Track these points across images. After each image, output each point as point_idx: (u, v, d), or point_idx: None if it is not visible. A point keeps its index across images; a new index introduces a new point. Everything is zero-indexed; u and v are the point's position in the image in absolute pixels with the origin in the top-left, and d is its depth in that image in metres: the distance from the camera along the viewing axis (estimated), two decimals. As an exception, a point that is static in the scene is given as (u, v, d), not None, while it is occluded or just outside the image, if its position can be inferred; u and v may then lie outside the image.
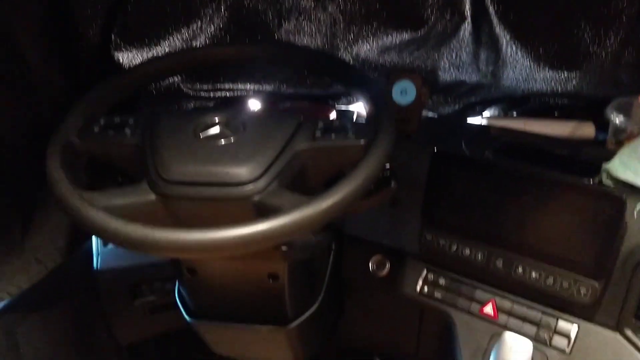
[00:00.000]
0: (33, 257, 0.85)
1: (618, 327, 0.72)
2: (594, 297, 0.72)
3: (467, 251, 0.82)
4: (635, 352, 0.70)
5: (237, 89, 1.02)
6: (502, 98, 1.03)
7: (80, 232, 0.78)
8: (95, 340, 1.07)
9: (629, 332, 0.71)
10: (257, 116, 0.73)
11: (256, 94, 1.03)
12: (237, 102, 1.03)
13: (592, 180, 0.75)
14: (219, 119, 0.67)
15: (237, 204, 0.62)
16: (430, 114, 1.05)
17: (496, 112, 1.07)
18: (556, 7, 0.85)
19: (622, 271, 0.71)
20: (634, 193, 0.72)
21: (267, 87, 1.02)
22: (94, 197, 0.61)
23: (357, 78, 0.74)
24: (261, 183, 0.62)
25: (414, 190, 0.87)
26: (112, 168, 0.71)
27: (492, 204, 0.80)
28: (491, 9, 0.87)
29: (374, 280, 0.91)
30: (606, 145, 0.91)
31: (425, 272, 0.87)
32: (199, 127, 0.67)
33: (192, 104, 1.04)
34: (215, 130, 0.67)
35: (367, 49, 0.93)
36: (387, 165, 0.76)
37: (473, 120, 1.05)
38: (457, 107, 1.04)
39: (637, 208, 0.70)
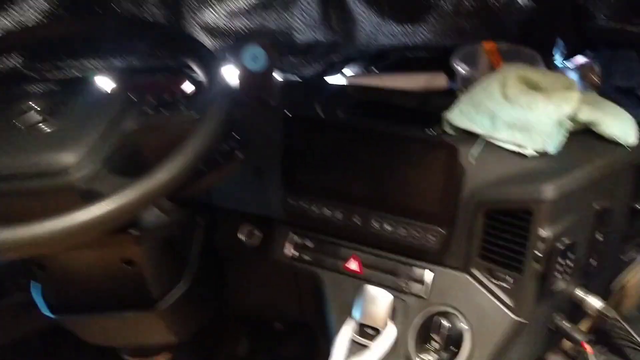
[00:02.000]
0: None
1: (466, 269, 0.76)
2: (442, 242, 0.76)
3: (328, 211, 0.83)
4: (482, 289, 0.74)
5: (84, 67, 0.96)
6: (359, 56, 1.04)
7: None
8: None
9: (475, 272, 0.75)
10: (81, 98, 0.69)
11: (105, 71, 0.97)
12: (84, 81, 0.97)
13: (435, 131, 0.78)
14: (36, 104, 0.63)
15: (62, 194, 0.59)
16: (287, 77, 1.04)
17: (355, 70, 1.08)
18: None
19: (463, 216, 0.74)
20: (471, 139, 0.75)
21: (117, 63, 0.97)
22: None
23: (189, 46, 0.72)
24: (86, 169, 0.59)
25: (274, 156, 0.86)
26: None
27: (345, 163, 0.82)
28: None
29: (246, 250, 0.91)
30: (456, 94, 0.95)
31: (292, 236, 0.87)
32: (14, 114, 0.62)
33: (36, 87, 0.97)
34: (35, 117, 0.63)
35: (215, 15, 0.90)
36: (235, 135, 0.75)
37: (332, 79, 1.05)
38: (316, 67, 1.04)
39: (471, 153, 0.73)
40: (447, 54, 0.97)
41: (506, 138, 0.74)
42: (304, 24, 0.95)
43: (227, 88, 0.66)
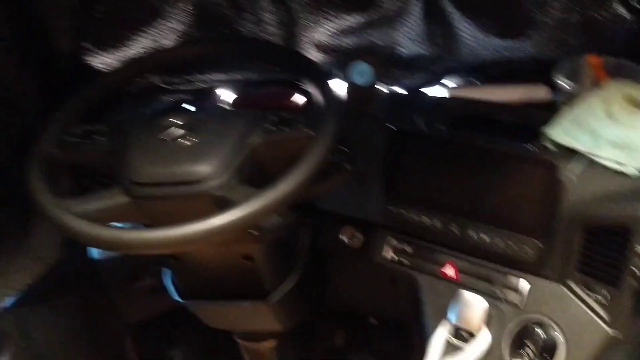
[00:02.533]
0: (36, 256, 0.93)
1: (563, 280, 0.78)
2: (539, 254, 0.79)
3: (427, 219, 0.88)
4: (578, 301, 0.76)
5: (209, 80, 1.08)
6: (460, 68, 1.08)
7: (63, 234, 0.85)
8: (104, 322, 1.17)
9: (572, 284, 0.77)
10: (215, 114, 0.79)
11: (229, 83, 1.09)
12: (211, 93, 1.09)
13: (535, 146, 0.81)
14: (180, 121, 0.74)
15: (200, 200, 0.69)
16: (392, 89, 1.09)
17: (456, 81, 1.11)
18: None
19: (562, 230, 0.77)
20: (571, 156, 0.77)
21: (237, 76, 1.07)
22: (70, 204, 0.68)
23: (305, 67, 0.80)
24: (220, 179, 0.69)
25: (377, 165, 0.93)
26: (92, 173, 0.79)
27: (444, 175, 0.87)
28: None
29: (347, 250, 0.98)
30: (558, 107, 0.96)
31: (391, 240, 0.94)
32: (163, 130, 0.73)
33: (168, 98, 1.10)
34: (177, 131, 0.73)
35: (323, 34, 0.98)
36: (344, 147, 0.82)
37: (432, 91, 1.09)
38: (417, 79, 1.08)
39: (571, 170, 0.75)
40: (549, 66, 0.99)
41: (608, 156, 0.75)
42: (408, 39, 1.00)
43: (339, 106, 0.74)
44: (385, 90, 1.05)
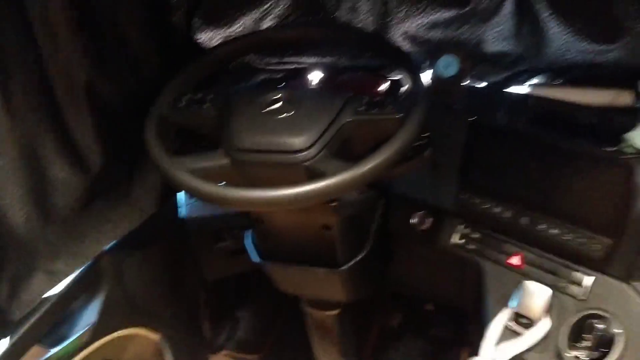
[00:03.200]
0: (136, 207, 1.05)
1: (628, 280, 0.81)
2: (607, 252, 0.82)
3: (498, 209, 0.93)
4: (641, 301, 0.79)
5: (301, 62, 1.15)
6: (544, 68, 1.10)
7: (172, 186, 0.96)
8: (186, 276, 1.29)
9: (636, 284, 0.80)
10: (312, 92, 0.87)
11: (318, 66, 1.16)
12: (301, 74, 1.16)
13: (614, 148, 0.83)
14: (280, 96, 0.81)
15: (292, 168, 0.77)
16: (477, 84, 1.13)
17: (539, 81, 1.13)
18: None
19: (633, 231, 0.79)
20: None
21: (328, 60, 1.14)
22: (181, 161, 0.78)
23: (397, 56, 0.86)
24: (312, 151, 0.76)
25: (452, 154, 0.98)
26: (198, 136, 0.88)
27: (519, 169, 0.90)
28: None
29: (416, 233, 1.04)
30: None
31: (461, 226, 0.98)
32: (264, 103, 0.81)
33: (262, 77, 1.18)
34: (277, 105, 0.81)
35: (416, 26, 1.02)
36: (426, 134, 0.87)
37: (516, 89, 1.12)
38: (501, 76, 1.12)
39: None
40: (635, 73, 0.99)
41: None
42: (496, 36, 1.03)
43: (427, 92, 0.79)
44: (469, 85, 1.09)
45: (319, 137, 0.76)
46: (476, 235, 0.96)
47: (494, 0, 0.97)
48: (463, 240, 0.98)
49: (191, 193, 0.75)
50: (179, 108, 0.86)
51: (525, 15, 0.99)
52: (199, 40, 1.07)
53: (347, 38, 0.95)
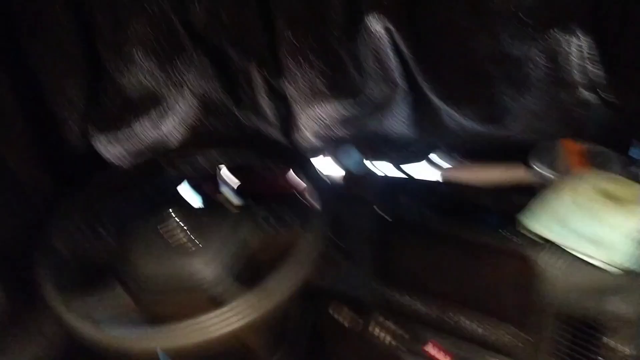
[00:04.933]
0: (38, 332, 0.98)
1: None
2: (515, 340, 0.83)
3: (411, 300, 0.93)
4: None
5: (209, 161, 1.13)
6: (444, 148, 1.14)
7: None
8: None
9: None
10: (211, 212, 0.85)
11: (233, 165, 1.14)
12: (213, 175, 1.14)
13: (514, 235, 0.86)
14: (182, 223, 0.79)
15: (197, 299, 0.74)
16: (384, 172, 1.15)
17: (441, 163, 1.17)
18: (476, 74, 0.96)
19: (538, 320, 0.81)
20: (545, 244, 0.82)
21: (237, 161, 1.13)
22: (74, 300, 0.73)
23: (300, 164, 0.86)
24: (215, 279, 0.74)
25: (365, 245, 0.98)
26: (93, 267, 0.84)
27: (427, 260, 0.92)
28: (419, 78, 0.97)
29: (336, 326, 1.02)
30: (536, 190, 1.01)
31: (379, 318, 0.98)
32: (166, 234, 0.79)
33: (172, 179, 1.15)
34: (179, 235, 0.79)
35: (319, 122, 1.04)
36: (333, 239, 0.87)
37: (419, 172, 1.15)
38: (406, 158, 1.15)
39: (544, 259, 0.80)
40: (526, 147, 1.04)
41: (577, 247, 0.80)
42: (396, 123, 1.07)
43: (328, 203, 0.79)
44: (378, 174, 1.11)
45: (221, 262, 0.75)
46: (394, 327, 0.96)
47: (385, 90, 1.00)
48: (382, 332, 0.97)
49: (81, 339, 0.71)
50: (73, 241, 0.82)
51: (418, 100, 1.03)
52: (99, 152, 1.04)
53: (238, 144, 0.95)
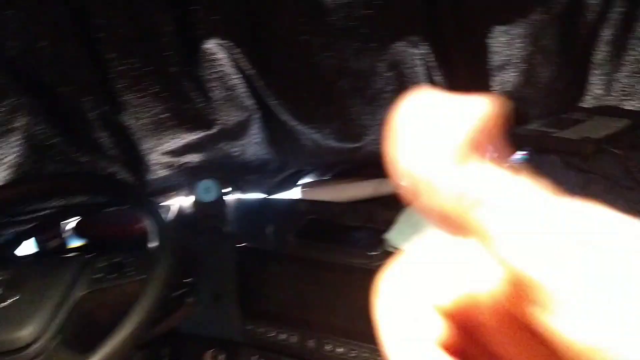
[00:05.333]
0: None
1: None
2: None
3: (283, 335, 0.87)
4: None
5: (48, 207, 1.02)
6: (307, 169, 1.10)
7: None
8: None
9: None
10: (37, 267, 0.74)
11: (69, 209, 1.03)
12: (52, 222, 1.02)
13: (379, 252, 0.83)
14: (0, 280, 0.68)
15: None
16: (242, 198, 1.10)
17: (304, 184, 1.13)
18: (328, 92, 0.93)
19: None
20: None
21: (77, 200, 1.02)
22: None
23: (142, 206, 0.77)
24: (42, 343, 0.63)
25: (229, 282, 0.91)
26: None
27: (295, 290, 0.86)
28: (270, 100, 0.93)
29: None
30: (402, 201, 0.99)
31: (254, 357, 0.91)
32: None
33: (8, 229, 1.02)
34: None
35: (167, 153, 0.96)
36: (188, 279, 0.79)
37: (282, 196, 1.11)
38: (269, 183, 1.09)
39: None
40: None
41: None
42: (254, 147, 1.01)
43: (170, 242, 0.71)
44: (235, 201, 1.05)
45: (47, 323, 0.64)
46: (267, 365, 0.89)
47: (238, 115, 0.95)
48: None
49: None
50: None
51: (275, 125, 0.98)
52: None
53: (79, 187, 0.85)
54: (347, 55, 0.88)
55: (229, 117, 0.94)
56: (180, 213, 0.98)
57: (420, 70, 0.89)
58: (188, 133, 0.94)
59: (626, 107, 1.05)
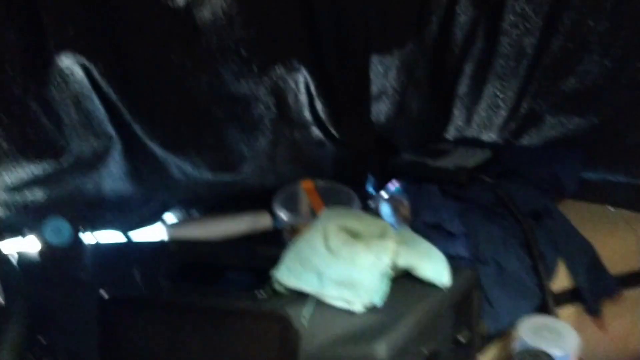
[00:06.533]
0: None
1: None
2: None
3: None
4: None
5: None
6: (177, 202, 1.00)
7: None
8: None
9: None
10: None
11: None
12: None
13: (266, 293, 0.75)
14: None
15: None
16: (100, 240, 0.95)
17: (176, 215, 1.03)
18: (199, 118, 0.85)
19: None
20: (303, 299, 0.73)
21: None
22: None
23: None
24: None
25: (90, 338, 0.77)
26: None
27: (170, 343, 0.74)
28: (134, 125, 0.82)
29: None
30: (283, 235, 0.93)
31: None
32: None
33: None
34: None
35: (6, 187, 0.80)
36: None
37: (151, 232, 0.99)
38: (132, 221, 0.97)
39: (303, 315, 0.71)
40: (267, 193, 0.96)
41: (335, 295, 0.73)
42: (113, 181, 0.89)
43: (19, 301, 0.57)
44: (93, 244, 0.90)
45: None
46: None
47: (96, 144, 0.83)
48: None
49: None
50: None
51: (138, 151, 0.87)
52: None
53: None
54: (226, 79, 0.81)
55: (87, 146, 0.82)
56: (26, 261, 0.81)
57: (305, 100, 0.85)
58: (34, 165, 0.79)
59: (484, 139, 1.12)
